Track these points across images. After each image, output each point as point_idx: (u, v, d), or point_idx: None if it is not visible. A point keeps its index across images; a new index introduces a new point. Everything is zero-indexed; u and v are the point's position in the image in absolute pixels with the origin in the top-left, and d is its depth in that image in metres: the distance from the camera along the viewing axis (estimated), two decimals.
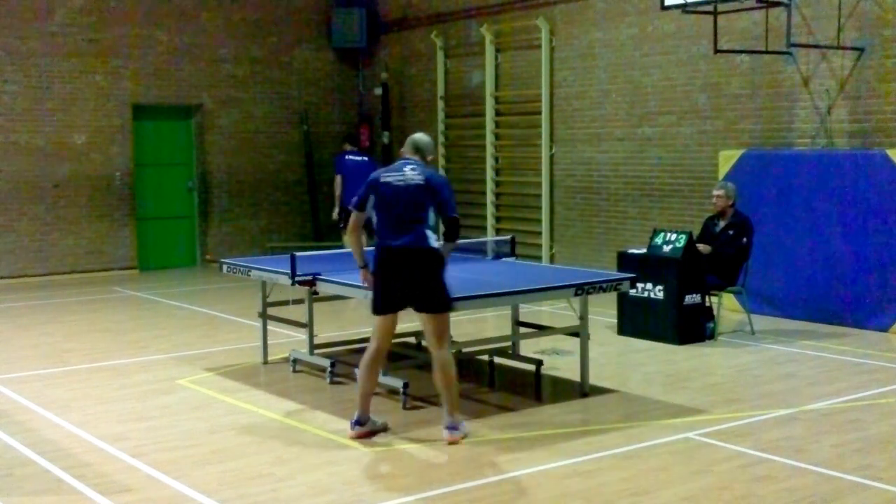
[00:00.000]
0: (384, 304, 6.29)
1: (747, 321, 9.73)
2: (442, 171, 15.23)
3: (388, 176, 6.27)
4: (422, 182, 6.19)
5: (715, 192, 9.73)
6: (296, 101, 16.35)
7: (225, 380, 8.05)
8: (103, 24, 14.55)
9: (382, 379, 7.22)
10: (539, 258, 13.56)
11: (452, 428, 6.21)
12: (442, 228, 6.35)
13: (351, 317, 10.32)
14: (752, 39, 11.03)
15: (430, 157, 6.43)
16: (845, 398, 7.27)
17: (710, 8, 10.46)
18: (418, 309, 6.26)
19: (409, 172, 6.23)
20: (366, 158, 13.39)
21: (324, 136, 16.64)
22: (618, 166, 12.84)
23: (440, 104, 15.34)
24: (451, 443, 6.15)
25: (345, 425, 6.66)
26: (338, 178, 13.04)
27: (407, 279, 6.19)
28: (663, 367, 8.41)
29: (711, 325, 9.39)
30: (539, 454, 6.01)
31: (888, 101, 10.07)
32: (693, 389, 7.62)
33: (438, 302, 6.23)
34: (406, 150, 6.43)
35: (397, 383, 7.11)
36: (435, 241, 6.21)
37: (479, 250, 9.23)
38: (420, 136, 6.52)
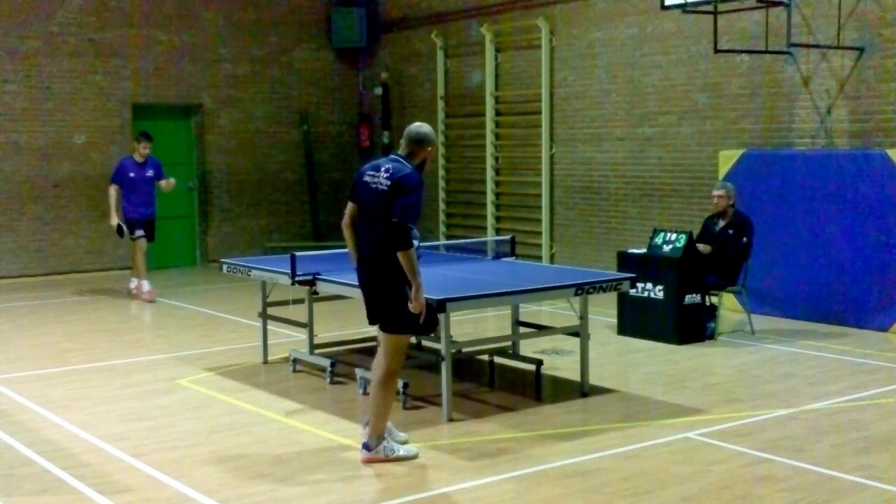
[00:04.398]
0: (368, 315, 6.03)
1: (747, 321, 9.73)
2: (442, 172, 15.27)
3: (368, 174, 5.82)
4: (386, 189, 5.66)
5: (715, 193, 9.73)
6: (296, 101, 16.35)
7: (225, 380, 8.05)
8: (103, 24, 14.56)
9: None
10: (539, 258, 13.56)
11: (367, 447, 5.87)
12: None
13: (351, 317, 10.31)
14: (752, 39, 11.03)
15: (428, 148, 5.85)
16: (845, 398, 7.27)
17: (710, 8, 10.45)
18: (370, 320, 5.96)
19: (382, 174, 5.73)
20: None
21: (324, 136, 16.64)
22: (618, 166, 12.84)
23: (440, 104, 15.34)
24: (364, 462, 5.83)
25: (345, 425, 6.67)
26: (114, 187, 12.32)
27: (365, 287, 5.93)
28: (663, 367, 8.41)
29: (712, 324, 9.39)
30: (539, 454, 6.01)
31: (888, 101, 10.07)
32: (693, 389, 7.62)
33: (388, 321, 5.82)
34: (402, 142, 5.93)
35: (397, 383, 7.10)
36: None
37: (479, 250, 9.24)
38: (410, 128, 5.91)
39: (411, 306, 5.67)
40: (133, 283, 12.41)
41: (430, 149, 5.91)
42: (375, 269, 5.80)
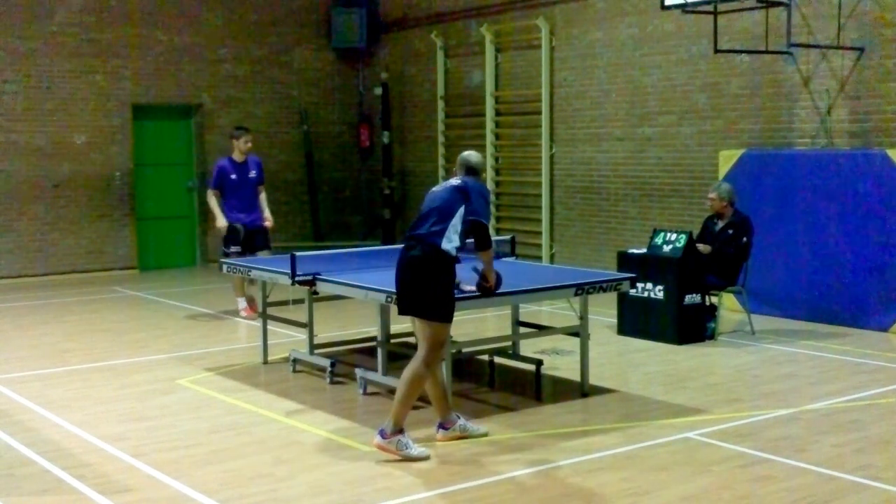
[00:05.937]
0: (399, 306, 6.14)
1: (747, 321, 9.73)
2: (442, 172, 15.26)
3: (436, 186, 6.28)
4: (457, 184, 6.09)
5: (709, 195, 9.75)
6: (296, 101, 16.36)
7: (225, 380, 8.05)
8: (103, 24, 14.56)
9: (382, 379, 7.25)
10: (539, 258, 13.56)
11: (382, 434, 5.91)
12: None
13: (351, 317, 10.32)
14: (752, 39, 11.03)
15: (482, 175, 6.35)
16: (845, 398, 7.27)
17: (710, 8, 10.46)
18: (402, 309, 6.04)
19: (452, 180, 6.22)
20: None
21: (324, 136, 16.64)
22: (618, 166, 12.84)
23: (440, 104, 15.35)
24: (376, 446, 5.90)
25: (345, 425, 6.67)
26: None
27: (404, 271, 6.00)
28: (663, 367, 8.41)
29: (712, 324, 9.39)
30: (539, 454, 6.01)
31: (888, 101, 10.07)
32: (693, 389, 7.62)
33: (425, 307, 5.94)
34: (457, 170, 6.34)
35: (398, 383, 7.09)
36: (452, 245, 5.92)
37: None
38: (466, 153, 6.39)
39: (484, 283, 6.27)
40: (241, 304, 10.80)
41: (483, 175, 6.40)
42: (419, 254, 5.91)
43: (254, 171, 10.80)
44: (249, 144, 10.76)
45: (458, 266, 6.10)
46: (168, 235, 15.57)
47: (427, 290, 5.93)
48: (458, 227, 5.95)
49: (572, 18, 13.28)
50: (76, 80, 14.39)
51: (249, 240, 10.58)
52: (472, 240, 6.07)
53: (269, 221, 10.79)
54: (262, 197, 10.90)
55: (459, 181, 6.13)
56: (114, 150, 14.73)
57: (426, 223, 5.98)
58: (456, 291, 6.20)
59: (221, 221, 10.61)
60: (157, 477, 5.68)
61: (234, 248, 10.50)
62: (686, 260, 9.22)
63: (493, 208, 14.50)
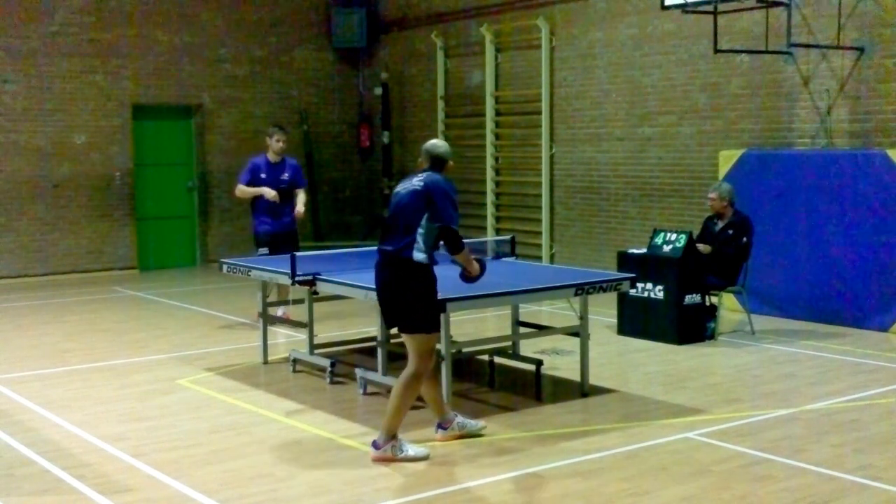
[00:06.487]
0: (385, 319, 6.12)
1: (747, 321, 9.73)
2: None
3: (401, 184, 6.03)
4: (419, 188, 5.80)
5: (709, 195, 9.75)
6: (296, 101, 16.36)
7: (225, 380, 8.05)
8: (103, 24, 14.56)
9: (382, 379, 7.25)
10: (539, 258, 13.56)
11: (375, 445, 5.89)
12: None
13: (351, 317, 10.32)
14: (752, 39, 11.03)
15: (449, 163, 6.00)
16: (845, 398, 7.27)
17: (710, 8, 10.46)
18: (388, 323, 6.02)
19: (415, 180, 5.90)
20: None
21: (324, 136, 16.65)
22: (618, 166, 12.84)
23: (440, 104, 15.35)
24: (374, 460, 5.85)
25: (345, 425, 6.67)
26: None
27: (383, 289, 5.96)
28: (663, 367, 8.41)
29: (712, 324, 9.39)
30: (539, 454, 6.01)
31: (888, 101, 10.07)
32: (693, 389, 7.62)
33: (408, 321, 5.86)
34: (422, 160, 6.09)
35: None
36: (424, 255, 5.79)
37: (479, 250, 9.23)
38: (431, 143, 6.11)
39: (466, 273, 6.04)
40: (280, 311, 9.81)
41: (450, 163, 6.07)
42: (394, 271, 5.84)
43: (287, 174, 10.27)
44: (281, 144, 10.26)
45: (439, 266, 6.01)
46: (168, 235, 15.57)
47: (407, 305, 5.84)
48: (426, 235, 5.79)
49: (572, 18, 13.28)
50: (76, 80, 14.40)
51: (277, 243, 10.01)
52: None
53: (299, 213, 10.29)
54: (300, 197, 10.37)
55: (421, 184, 5.81)
56: (114, 150, 14.73)
57: (394, 235, 5.84)
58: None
59: (268, 194, 10.06)
60: (157, 477, 5.68)
61: (262, 251, 10.09)
62: (686, 260, 9.22)
63: (493, 208, 14.54)
